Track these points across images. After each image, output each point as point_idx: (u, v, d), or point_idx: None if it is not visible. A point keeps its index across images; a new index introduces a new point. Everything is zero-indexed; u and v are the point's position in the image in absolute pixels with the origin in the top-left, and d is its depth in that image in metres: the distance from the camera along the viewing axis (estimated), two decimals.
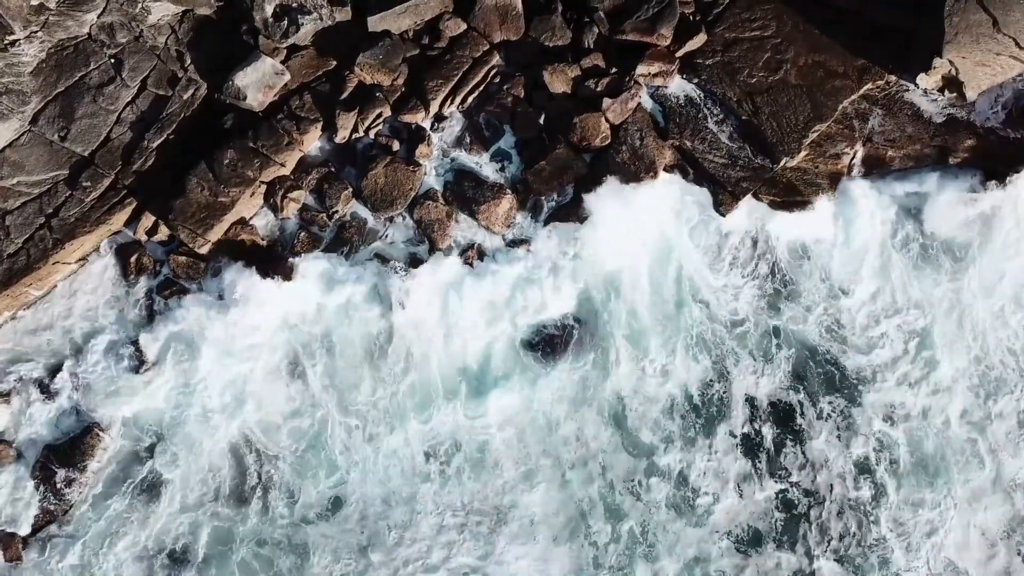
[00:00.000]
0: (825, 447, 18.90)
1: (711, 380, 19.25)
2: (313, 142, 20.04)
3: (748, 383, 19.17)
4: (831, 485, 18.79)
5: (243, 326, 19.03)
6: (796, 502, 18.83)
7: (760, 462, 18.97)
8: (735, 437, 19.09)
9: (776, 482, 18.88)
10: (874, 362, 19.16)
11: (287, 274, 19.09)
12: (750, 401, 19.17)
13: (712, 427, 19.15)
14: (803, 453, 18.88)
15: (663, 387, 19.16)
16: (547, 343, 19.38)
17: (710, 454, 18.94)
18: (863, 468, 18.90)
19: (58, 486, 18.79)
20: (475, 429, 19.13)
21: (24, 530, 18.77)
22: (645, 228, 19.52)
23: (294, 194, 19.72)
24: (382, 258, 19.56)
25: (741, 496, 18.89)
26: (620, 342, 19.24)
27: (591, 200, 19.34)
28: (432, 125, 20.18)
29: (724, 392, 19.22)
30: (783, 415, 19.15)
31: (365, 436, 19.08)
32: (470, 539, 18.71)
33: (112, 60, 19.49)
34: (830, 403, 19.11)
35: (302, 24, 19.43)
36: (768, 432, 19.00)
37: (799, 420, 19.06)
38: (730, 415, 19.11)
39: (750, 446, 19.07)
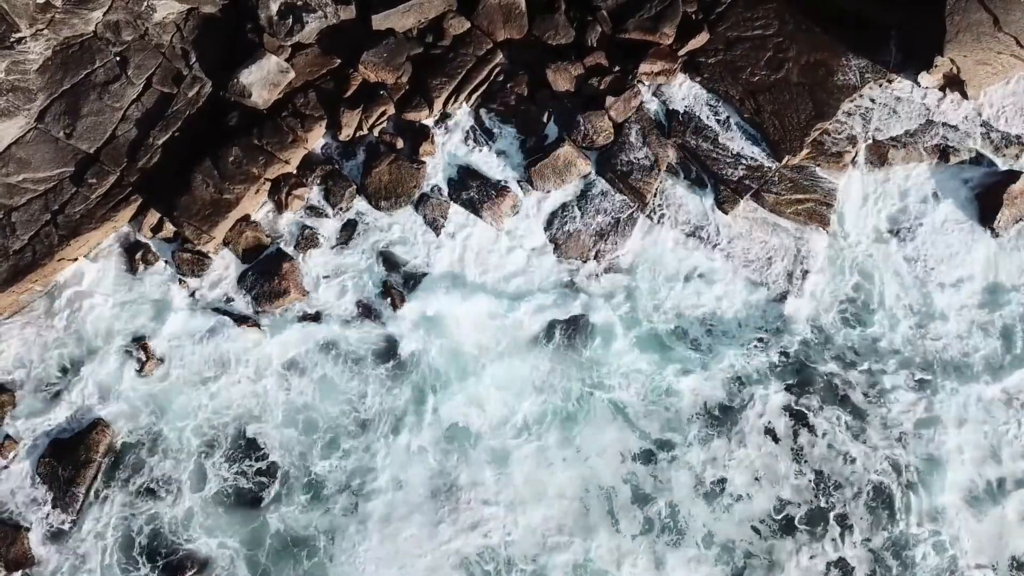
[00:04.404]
0: None
1: None
2: (317, 140, 20.13)
3: None
4: None
5: None
6: None
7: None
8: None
9: None
10: None
11: None
12: None
13: None
14: None
15: None
16: None
17: None
18: None
19: (63, 481, 18.87)
20: None
21: (29, 525, 18.83)
22: None
23: (298, 191, 19.82)
24: None
25: None
26: None
27: None
28: (436, 123, 20.28)
29: None
30: None
31: None
32: None
33: (118, 58, 19.58)
34: None
35: (307, 22, 19.54)
36: None
37: None
38: None
39: None
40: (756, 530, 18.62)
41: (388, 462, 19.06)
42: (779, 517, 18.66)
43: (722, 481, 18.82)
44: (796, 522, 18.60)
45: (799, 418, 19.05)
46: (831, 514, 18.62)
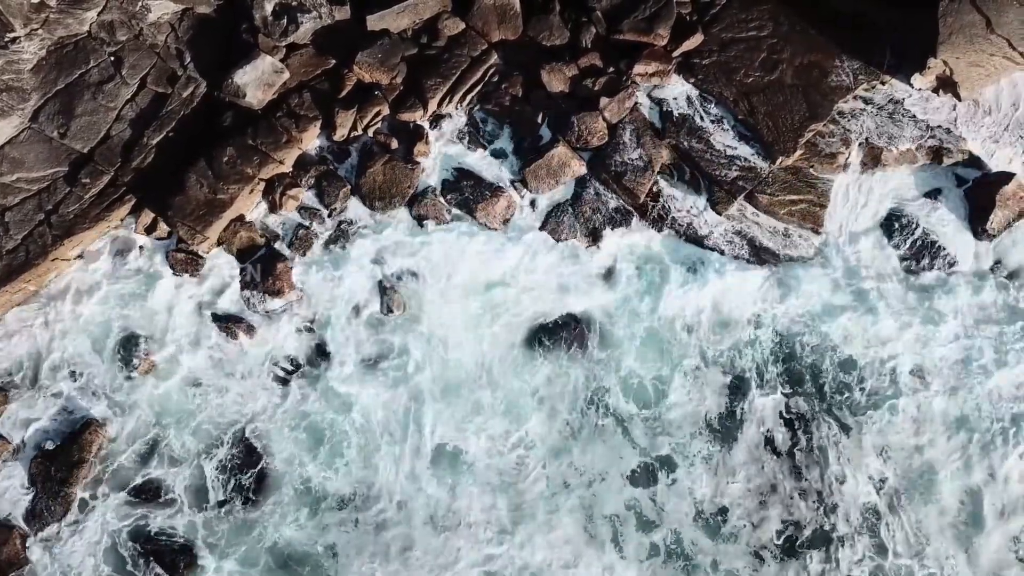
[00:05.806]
0: None
1: None
2: (312, 140, 20.13)
3: None
4: None
5: None
6: None
7: None
8: None
9: None
10: None
11: None
12: None
13: None
14: None
15: None
16: None
17: None
18: None
19: (56, 481, 18.82)
20: None
21: (23, 526, 18.79)
22: None
23: (293, 191, 19.82)
24: None
25: None
26: None
27: None
28: (430, 124, 20.30)
29: None
30: None
31: None
32: None
33: (112, 58, 19.57)
34: None
35: (301, 23, 19.54)
36: None
37: None
38: None
39: None
40: (758, 556, 18.80)
41: (387, 479, 19.09)
42: (781, 541, 18.84)
43: (723, 511, 18.95)
44: (798, 544, 18.81)
45: (794, 427, 19.10)
46: (833, 534, 18.75)
